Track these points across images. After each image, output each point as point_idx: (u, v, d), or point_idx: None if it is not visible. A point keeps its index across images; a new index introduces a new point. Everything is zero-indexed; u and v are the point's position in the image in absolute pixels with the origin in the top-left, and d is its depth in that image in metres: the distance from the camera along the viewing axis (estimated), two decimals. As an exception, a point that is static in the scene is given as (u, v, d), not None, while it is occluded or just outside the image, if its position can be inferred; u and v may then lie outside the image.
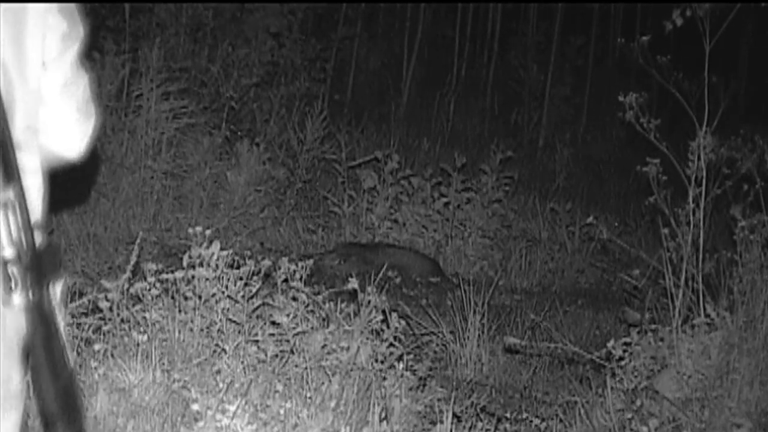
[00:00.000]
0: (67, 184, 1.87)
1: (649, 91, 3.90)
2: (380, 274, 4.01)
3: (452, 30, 10.13)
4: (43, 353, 1.63)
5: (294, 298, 3.38)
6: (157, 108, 5.81)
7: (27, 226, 1.60)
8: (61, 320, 1.67)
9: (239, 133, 6.46)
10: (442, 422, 3.26)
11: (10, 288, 1.59)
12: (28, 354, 1.67)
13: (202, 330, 3.29)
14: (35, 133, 1.69)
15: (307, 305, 3.38)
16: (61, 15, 1.69)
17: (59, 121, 1.73)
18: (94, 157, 1.86)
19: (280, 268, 3.41)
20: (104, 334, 3.27)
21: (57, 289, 1.69)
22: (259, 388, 3.13)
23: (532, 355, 4.33)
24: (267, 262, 3.46)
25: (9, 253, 1.59)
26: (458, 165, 6.15)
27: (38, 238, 1.64)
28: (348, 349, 3.26)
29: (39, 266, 1.62)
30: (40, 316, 1.62)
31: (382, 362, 3.34)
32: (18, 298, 1.60)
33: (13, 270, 1.59)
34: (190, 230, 3.37)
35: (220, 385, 3.13)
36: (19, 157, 1.61)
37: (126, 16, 6.30)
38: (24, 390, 1.69)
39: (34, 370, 1.64)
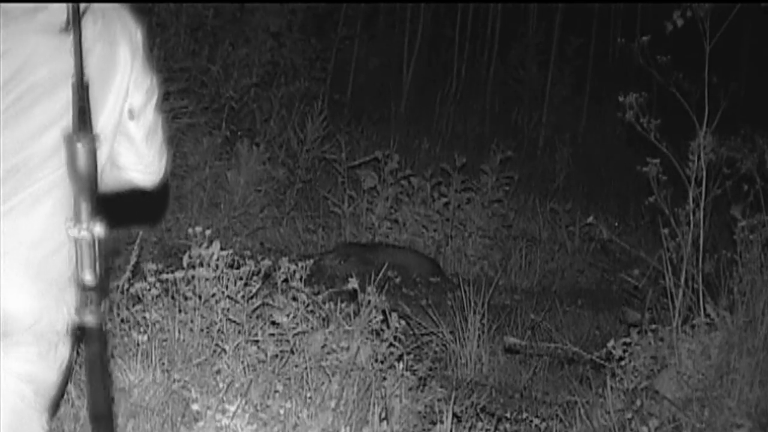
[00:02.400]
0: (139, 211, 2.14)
1: (649, 91, 3.89)
2: (380, 274, 4.01)
3: (452, 30, 10.12)
4: (98, 364, 1.90)
5: (294, 298, 3.38)
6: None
7: (102, 258, 1.84)
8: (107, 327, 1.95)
9: (239, 133, 6.46)
10: (442, 422, 3.26)
11: (87, 311, 1.85)
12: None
13: (202, 330, 3.29)
14: (118, 169, 1.98)
15: (307, 305, 3.38)
16: (145, 71, 1.95)
17: (144, 162, 2.00)
18: (165, 186, 2.14)
19: (280, 268, 3.41)
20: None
21: (107, 301, 1.98)
22: (259, 388, 3.13)
23: (532, 355, 4.33)
24: (267, 262, 3.45)
25: (89, 279, 1.83)
26: (458, 165, 6.16)
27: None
28: (348, 349, 3.26)
29: (104, 290, 1.87)
30: (99, 333, 1.87)
31: (382, 362, 3.34)
32: (90, 318, 1.85)
33: (91, 295, 1.84)
34: (190, 230, 3.37)
35: (220, 385, 3.13)
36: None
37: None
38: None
39: (89, 377, 1.92)
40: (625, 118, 3.79)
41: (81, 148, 1.82)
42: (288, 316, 3.31)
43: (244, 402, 3.03)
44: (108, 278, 1.96)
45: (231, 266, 3.35)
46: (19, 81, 1.85)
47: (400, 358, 3.41)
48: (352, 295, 3.43)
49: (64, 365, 1.96)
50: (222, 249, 3.33)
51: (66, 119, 1.83)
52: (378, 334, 3.38)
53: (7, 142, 1.83)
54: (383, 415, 3.15)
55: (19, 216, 1.83)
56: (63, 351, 1.93)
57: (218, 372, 3.20)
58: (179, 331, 3.27)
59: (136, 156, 2.00)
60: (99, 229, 1.84)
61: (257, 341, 3.30)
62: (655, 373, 3.51)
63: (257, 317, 3.39)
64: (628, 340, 3.56)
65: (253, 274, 3.40)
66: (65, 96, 1.85)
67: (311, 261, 3.57)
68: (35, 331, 1.87)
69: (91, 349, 1.90)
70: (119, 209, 2.09)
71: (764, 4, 4.19)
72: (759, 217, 3.67)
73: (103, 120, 1.89)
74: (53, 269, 1.87)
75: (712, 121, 3.72)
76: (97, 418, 1.94)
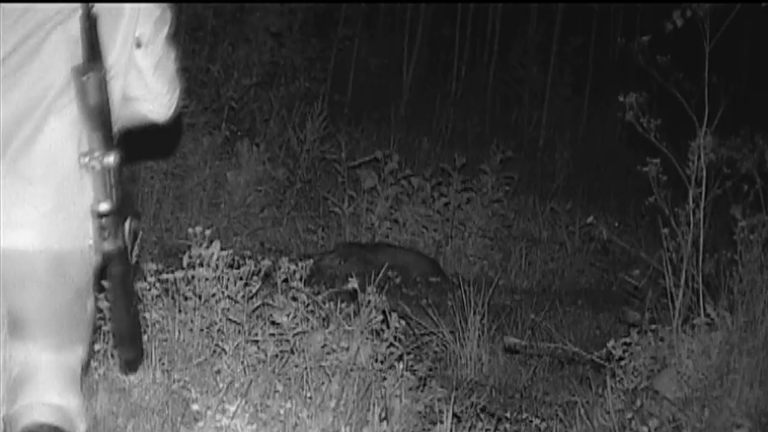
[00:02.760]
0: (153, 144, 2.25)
1: (649, 91, 3.89)
2: (380, 274, 4.01)
3: (452, 30, 10.12)
4: (120, 287, 1.99)
5: (294, 298, 3.37)
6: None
7: (118, 185, 1.92)
8: (132, 256, 2.04)
9: (239, 133, 6.46)
10: (442, 422, 3.26)
11: (103, 237, 1.92)
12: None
13: (202, 330, 3.29)
14: (129, 102, 2.01)
15: (307, 305, 3.38)
16: (154, 2, 1.99)
17: (153, 93, 2.03)
18: (177, 121, 2.26)
19: (280, 268, 3.41)
20: (104, 334, 3.26)
21: (125, 227, 2.00)
22: (259, 388, 3.13)
23: (532, 355, 4.33)
24: (267, 262, 3.45)
25: (104, 208, 1.90)
26: (458, 165, 6.15)
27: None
28: (348, 349, 3.26)
29: (122, 217, 1.95)
30: (119, 256, 1.96)
31: (382, 362, 3.33)
32: (107, 245, 1.93)
33: (106, 222, 1.92)
34: (190, 230, 3.36)
35: (220, 385, 3.13)
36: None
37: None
38: (91, 323, 2.06)
39: (112, 302, 2.02)
40: (625, 118, 3.79)
41: (90, 80, 1.87)
42: (288, 316, 3.31)
43: (244, 402, 3.03)
44: (129, 205, 1.99)
45: (231, 266, 3.35)
46: (30, 17, 1.89)
47: (400, 358, 3.41)
48: (352, 295, 3.43)
49: (90, 280, 2.01)
50: (222, 249, 3.33)
51: (77, 52, 1.88)
52: (378, 334, 3.38)
53: (22, 76, 1.89)
54: (383, 415, 3.15)
55: (36, 149, 1.89)
56: (85, 270, 1.97)
57: (218, 372, 3.20)
58: (179, 331, 3.27)
59: (145, 88, 2.02)
60: (111, 159, 1.89)
61: (257, 341, 3.30)
62: (655, 373, 3.51)
63: (257, 317, 3.39)
64: (628, 340, 3.56)
65: (253, 274, 3.40)
66: (75, 29, 1.88)
67: (311, 261, 3.56)
68: (59, 260, 1.92)
69: (112, 272, 1.97)
70: (134, 143, 2.12)
71: (764, 4, 4.18)
72: (759, 217, 3.67)
73: (115, 53, 1.94)
74: (72, 200, 1.91)
75: (712, 121, 3.72)
76: (122, 339, 2.03)
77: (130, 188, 2.15)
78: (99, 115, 1.89)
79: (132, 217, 2.00)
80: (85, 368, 2.12)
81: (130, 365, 2.12)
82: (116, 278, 1.98)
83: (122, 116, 2.01)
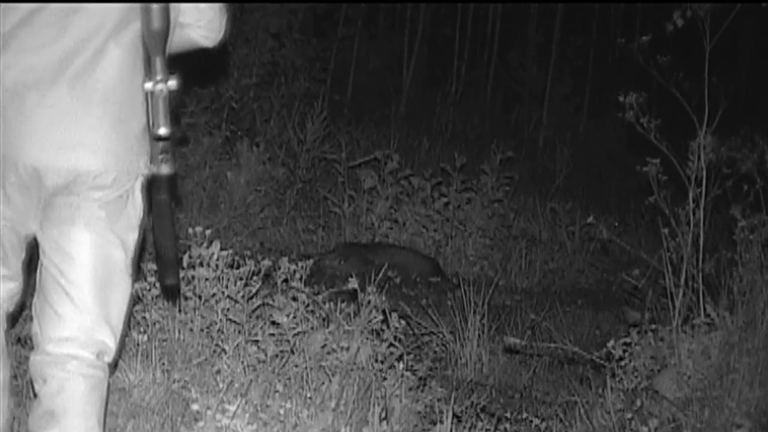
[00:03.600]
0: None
1: (649, 91, 3.89)
2: (380, 274, 4.01)
3: (452, 30, 10.12)
4: (167, 213, 2.09)
5: (294, 298, 3.37)
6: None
7: (173, 110, 2.01)
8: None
9: (239, 133, 6.46)
10: (442, 422, 3.26)
11: (162, 160, 2.02)
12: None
13: (202, 330, 3.29)
14: (182, 28, 2.13)
15: (307, 305, 3.38)
16: None
17: (205, 18, 2.15)
18: (223, 46, 2.37)
19: (280, 268, 3.41)
20: (104, 334, 3.26)
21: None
22: (259, 388, 3.13)
23: (532, 355, 4.33)
24: (267, 262, 3.45)
25: (164, 132, 1.99)
26: (458, 165, 6.15)
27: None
28: (348, 349, 3.26)
29: (175, 141, 2.06)
30: (168, 183, 2.07)
31: (382, 362, 3.33)
32: (164, 169, 2.03)
33: (165, 146, 2.01)
34: (190, 230, 3.36)
35: (220, 385, 3.13)
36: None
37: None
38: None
39: (158, 228, 2.10)
40: (625, 118, 3.79)
41: (155, 6, 1.97)
42: (288, 316, 3.31)
43: (244, 402, 3.03)
44: (179, 130, 2.06)
45: (231, 266, 3.34)
46: None
47: (400, 358, 3.41)
48: (352, 295, 3.43)
49: (140, 216, 2.12)
50: (222, 249, 3.33)
51: None
52: (378, 334, 3.38)
53: (80, 7, 1.98)
54: (383, 415, 3.15)
55: (95, 73, 1.99)
56: (137, 201, 2.09)
57: (218, 372, 3.20)
58: (179, 331, 3.27)
59: (198, 12, 2.13)
60: (172, 83, 1.98)
61: (257, 341, 3.30)
62: (655, 373, 3.51)
63: (257, 317, 3.39)
64: (628, 340, 3.56)
65: (253, 274, 3.40)
66: None
67: (311, 261, 3.56)
68: (117, 183, 2.03)
69: (161, 196, 2.06)
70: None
71: (764, 4, 4.18)
72: (759, 217, 3.67)
73: None
74: (130, 122, 2.01)
75: (712, 121, 3.72)
76: (165, 263, 2.11)
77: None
78: (162, 41, 1.99)
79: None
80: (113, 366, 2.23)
81: (172, 291, 2.37)
82: (164, 203, 2.06)
83: (175, 43, 2.12)
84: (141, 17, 1.99)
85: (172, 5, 2.04)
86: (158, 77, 1.99)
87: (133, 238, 2.13)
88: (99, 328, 2.10)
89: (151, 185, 2.09)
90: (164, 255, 2.10)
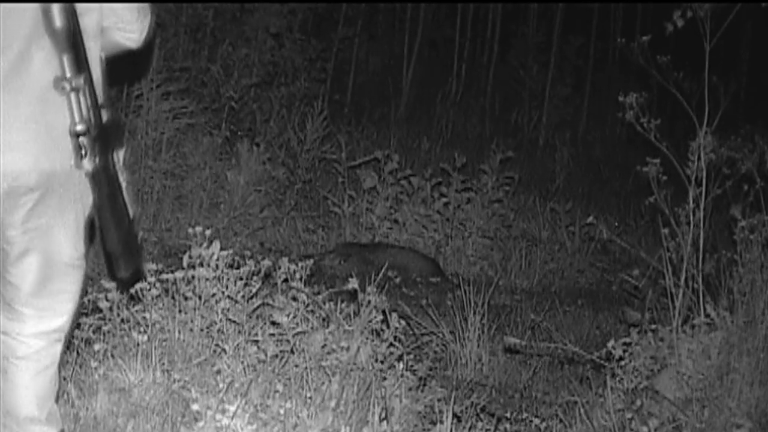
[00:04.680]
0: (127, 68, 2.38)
1: (649, 91, 3.89)
2: (380, 274, 4.01)
3: (452, 30, 10.12)
4: (108, 206, 2.13)
5: (294, 298, 3.37)
6: (157, 108, 5.81)
7: (95, 106, 2.07)
8: (123, 180, 2.20)
9: (239, 133, 6.46)
10: (442, 422, 3.26)
11: (81, 156, 2.06)
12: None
13: (202, 330, 3.29)
14: (105, 31, 2.17)
15: (307, 305, 3.38)
16: None
17: (123, 21, 2.20)
18: (149, 46, 2.58)
19: (280, 268, 3.41)
20: (104, 334, 3.26)
21: (120, 155, 2.20)
22: (259, 388, 3.13)
23: (532, 355, 4.33)
24: (267, 262, 3.45)
25: (80, 128, 2.05)
26: (458, 165, 6.16)
27: (103, 115, 2.11)
28: (348, 349, 3.26)
29: (104, 138, 2.10)
30: (106, 177, 2.12)
31: (382, 362, 3.33)
32: (87, 164, 2.07)
33: (84, 141, 2.05)
34: (190, 230, 3.36)
35: (220, 385, 3.13)
36: (91, 50, 2.09)
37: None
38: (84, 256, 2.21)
39: (100, 221, 2.15)
40: (625, 118, 3.79)
41: (55, 6, 2.01)
42: (288, 316, 3.31)
43: (244, 402, 3.03)
44: (117, 132, 2.20)
45: (231, 266, 3.34)
46: None
47: (400, 358, 3.41)
48: (352, 295, 3.43)
49: (86, 204, 2.17)
50: (222, 249, 3.33)
51: None
52: (378, 334, 3.37)
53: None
54: (383, 415, 3.15)
55: (18, 76, 2.04)
56: (72, 195, 2.13)
57: (218, 372, 3.20)
58: (179, 331, 3.27)
59: (115, 14, 2.18)
60: (81, 81, 2.03)
61: (257, 341, 3.30)
62: (655, 373, 3.51)
63: (257, 317, 3.39)
64: (628, 340, 3.56)
65: (253, 274, 3.40)
66: None
67: (311, 261, 3.56)
68: (52, 180, 2.08)
69: (98, 192, 2.12)
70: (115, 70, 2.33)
71: (764, 4, 4.18)
72: (759, 217, 3.67)
73: None
74: (58, 122, 2.05)
75: (712, 121, 3.72)
76: (114, 256, 2.17)
77: (118, 118, 2.26)
78: (66, 38, 2.03)
79: (119, 145, 2.19)
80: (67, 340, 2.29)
81: (127, 283, 2.40)
82: (102, 198, 2.12)
83: (103, 46, 2.18)
84: (42, 18, 2.02)
85: (96, 7, 2.10)
86: (67, 75, 2.03)
87: (75, 232, 2.18)
88: (47, 317, 2.20)
89: (91, 183, 2.14)
90: (110, 248, 2.16)
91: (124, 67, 2.75)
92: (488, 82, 10.03)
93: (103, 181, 2.11)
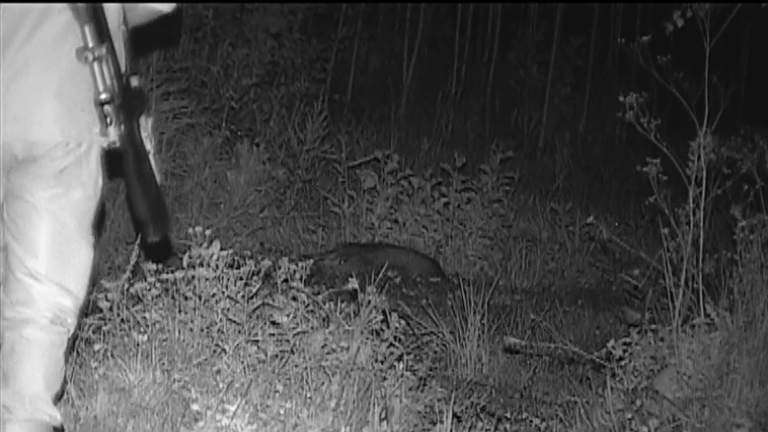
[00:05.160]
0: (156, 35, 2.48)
1: (649, 91, 3.89)
2: (380, 274, 4.01)
3: (452, 30, 10.12)
4: (134, 173, 2.19)
5: (294, 298, 3.37)
6: (157, 108, 5.80)
7: (118, 75, 2.12)
8: (150, 147, 2.26)
9: (239, 133, 6.46)
10: (442, 422, 3.26)
11: (106, 124, 2.12)
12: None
13: (202, 330, 3.29)
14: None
15: (307, 305, 3.38)
16: None
17: None
18: (179, 11, 2.45)
19: (280, 268, 3.41)
20: (104, 334, 3.26)
21: (148, 123, 2.25)
22: (259, 388, 3.13)
23: (532, 355, 4.33)
24: (267, 262, 3.45)
25: (104, 96, 2.10)
26: (458, 165, 6.15)
27: (129, 84, 2.17)
28: (348, 349, 3.26)
29: (128, 106, 2.15)
30: (131, 143, 2.17)
31: (382, 362, 3.33)
32: (113, 131, 2.12)
33: (108, 110, 2.11)
34: (190, 230, 3.36)
35: (220, 385, 3.13)
36: (112, 21, 2.13)
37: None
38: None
39: (128, 188, 2.21)
40: (625, 118, 3.79)
41: None
42: (288, 316, 3.31)
43: (244, 402, 3.03)
44: (140, 100, 2.23)
45: (231, 266, 3.34)
46: None
47: (400, 358, 3.41)
48: (352, 295, 3.43)
49: (99, 184, 2.21)
50: (222, 249, 3.33)
51: None
52: (378, 334, 3.37)
53: None
54: (383, 415, 3.15)
55: (33, 46, 2.06)
56: (93, 167, 2.17)
57: (218, 372, 3.20)
58: (179, 331, 3.27)
59: None
60: (103, 50, 2.07)
61: (257, 341, 3.30)
62: (655, 373, 3.51)
63: (257, 317, 3.39)
64: (628, 340, 3.56)
65: (253, 274, 3.40)
66: None
67: (311, 261, 3.56)
68: (66, 151, 2.11)
69: (125, 159, 2.16)
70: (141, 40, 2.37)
71: (764, 4, 4.18)
72: (759, 217, 3.67)
73: None
74: (74, 92, 2.08)
75: (712, 121, 3.72)
76: (144, 222, 2.23)
77: (142, 86, 2.32)
78: (89, 8, 2.06)
79: (145, 113, 2.23)
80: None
81: (159, 250, 2.50)
82: (128, 165, 2.17)
83: (137, 14, 2.23)
84: None
85: None
86: (89, 45, 2.07)
87: (89, 205, 2.21)
88: (56, 293, 2.20)
89: (120, 151, 2.18)
90: (138, 214, 2.22)
91: (154, 35, 2.80)
92: (488, 82, 10.03)
93: (129, 148, 2.16)
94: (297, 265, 3.43)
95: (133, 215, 2.27)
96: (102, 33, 2.09)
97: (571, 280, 6.19)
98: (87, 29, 2.07)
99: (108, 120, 2.11)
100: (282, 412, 3.06)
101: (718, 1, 3.71)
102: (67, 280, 2.21)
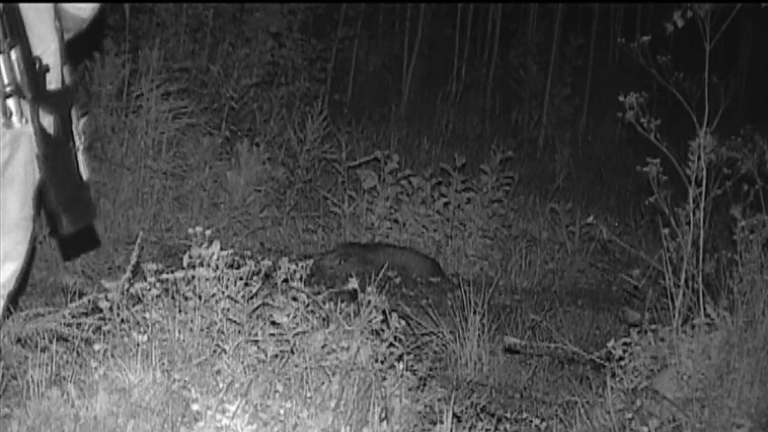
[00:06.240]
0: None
1: (649, 91, 3.89)
2: (380, 274, 4.01)
3: (452, 30, 10.12)
4: (46, 165, 2.22)
5: (294, 298, 3.37)
6: (157, 108, 5.81)
7: (29, 68, 2.17)
8: (80, 144, 2.32)
9: (239, 133, 6.46)
10: (442, 422, 3.26)
11: (7, 116, 2.15)
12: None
13: (202, 330, 3.29)
14: (60, 7, 2.27)
15: (307, 305, 3.38)
16: None
17: None
18: (101, 18, 2.58)
19: (280, 268, 3.41)
20: (104, 334, 3.26)
21: (79, 119, 2.32)
22: (259, 388, 3.13)
23: (532, 355, 4.33)
24: (267, 262, 3.45)
25: (8, 89, 2.14)
26: (458, 165, 6.15)
27: (52, 82, 2.22)
28: (348, 349, 3.26)
29: (44, 100, 2.20)
30: (42, 137, 2.21)
31: (382, 362, 3.33)
32: (16, 122, 2.17)
33: (10, 102, 2.15)
34: (190, 230, 3.36)
35: (220, 385, 3.13)
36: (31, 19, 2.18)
37: (126, 15, 6.30)
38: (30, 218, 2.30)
39: (42, 179, 2.24)
40: (625, 118, 3.79)
41: None
42: (288, 316, 3.30)
43: (244, 402, 3.03)
44: (58, 93, 2.26)
45: (231, 266, 3.34)
46: None
47: (400, 358, 3.41)
48: (352, 295, 3.43)
49: (35, 166, 2.25)
50: (222, 249, 3.33)
51: None
52: (378, 334, 3.37)
53: None
54: (383, 415, 3.15)
55: None
56: (27, 153, 2.22)
57: (218, 372, 3.20)
58: (179, 331, 3.27)
59: None
60: (6, 45, 2.12)
61: (257, 341, 3.29)
62: (655, 373, 3.51)
63: (257, 317, 3.39)
64: (628, 340, 3.55)
65: (253, 274, 3.39)
66: None
67: (311, 261, 3.56)
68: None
69: (38, 151, 2.21)
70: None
71: (764, 4, 4.18)
72: (759, 217, 3.67)
73: None
74: None
75: (712, 121, 3.72)
76: (54, 213, 2.26)
77: (71, 85, 2.39)
78: None
79: (80, 108, 2.32)
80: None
81: (73, 243, 2.62)
82: (41, 156, 2.21)
83: (66, 24, 2.30)
84: None
85: None
86: None
87: (29, 186, 2.27)
88: None
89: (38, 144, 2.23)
90: (49, 206, 2.26)
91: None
92: (488, 82, 10.03)
93: (41, 141, 2.20)
94: (297, 265, 3.43)
95: (45, 206, 2.31)
96: (11, 28, 2.14)
97: (571, 280, 6.19)
98: None
99: (8, 112, 2.15)
100: (282, 412, 3.06)
101: (718, 0, 3.71)
102: (9, 255, 2.28)
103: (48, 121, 2.24)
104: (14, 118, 2.16)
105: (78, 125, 2.32)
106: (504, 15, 10.21)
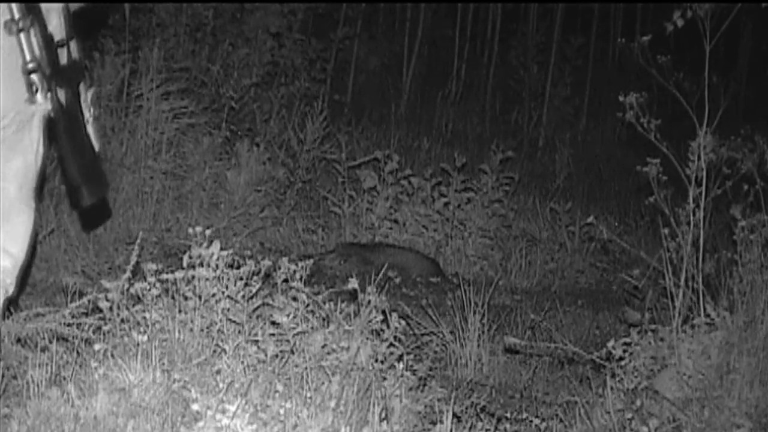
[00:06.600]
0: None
1: (649, 91, 3.89)
2: (380, 274, 4.01)
3: (452, 30, 10.12)
4: (66, 137, 2.24)
5: (294, 298, 3.37)
6: (157, 108, 5.81)
7: (48, 45, 2.19)
8: (90, 116, 2.35)
9: (239, 133, 6.46)
10: (442, 422, 3.26)
11: (33, 91, 2.18)
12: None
13: (202, 330, 3.29)
14: None
15: (307, 305, 3.38)
16: None
17: None
18: (101, 18, 2.48)
19: (280, 268, 3.41)
20: (104, 334, 3.26)
21: (87, 92, 2.36)
22: (259, 388, 3.13)
23: (532, 355, 4.33)
24: (267, 262, 3.45)
25: (31, 65, 2.16)
26: (458, 165, 6.15)
27: (63, 55, 2.25)
28: (348, 349, 3.26)
29: (63, 74, 2.23)
30: (62, 111, 2.23)
31: (382, 362, 3.33)
32: (41, 98, 2.19)
33: (34, 78, 2.18)
34: (190, 230, 3.36)
35: (220, 385, 3.13)
36: None
37: (126, 15, 6.30)
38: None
39: (60, 152, 2.25)
40: (625, 118, 3.79)
41: None
42: (288, 316, 3.30)
43: (244, 402, 3.03)
44: (77, 71, 2.31)
45: (231, 266, 3.34)
46: None
47: (400, 358, 3.41)
48: (352, 295, 3.43)
49: (39, 151, 2.30)
50: (222, 249, 3.33)
51: None
52: (378, 334, 3.37)
53: None
54: (383, 415, 3.15)
55: None
56: (34, 135, 2.26)
57: (218, 372, 3.20)
58: (179, 331, 3.27)
59: None
60: (28, 22, 2.15)
61: (257, 341, 3.30)
62: (655, 373, 3.51)
63: (257, 317, 3.39)
64: (628, 340, 3.55)
65: (253, 274, 3.39)
66: None
67: (311, 261, 3.56)
68: (5, 123, 2.18)
69: (56, 125, 2.23)
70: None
71: (764, 4, 4.18)
72: (759, 217, 3.67)
73: None
74: (7, 64, 2.16)
75: (712, 121, 3.72)
76: (74, 187, 2.29)
77: (78, 58, 2.41)
78: None
79: (83, 83, 2.32)
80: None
81: (89, 216, 2.64)
82: (60, 131, 2.23)
83: None
84: None
85: None
86: (15, 17, 2.14)
87: (30, 172, 2.29)
88: None
89: (52, 119, 2.25)
90: (70, 178, 2.27)
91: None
92: (488, 82, 10.03)
93: (60, 114, 2.22)
94: (297, 265, 3.43)
95: (65, 180, 2.31)
96: (29, 6, 2.15)
97: (571, 280, 6.19)
98: (13, 4, 2.14)
99: (34, 88, 2.17)
100: (282, 412, 3.06)
101: (718, 0, 3.71)
102: (7, 243, 2.29)
103: (60, 95, 2.26)
104: (39, 95, 2.18)
105: (87, 98, 2.34)
106: (504, 15, 10.21)
